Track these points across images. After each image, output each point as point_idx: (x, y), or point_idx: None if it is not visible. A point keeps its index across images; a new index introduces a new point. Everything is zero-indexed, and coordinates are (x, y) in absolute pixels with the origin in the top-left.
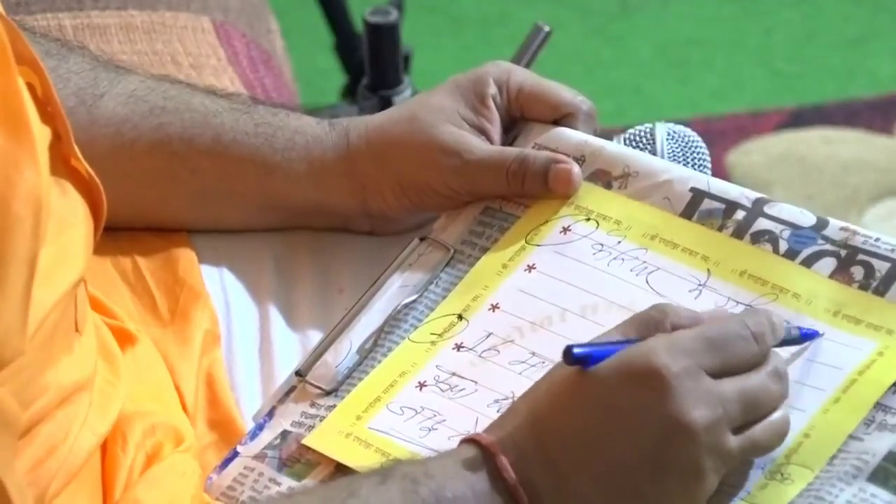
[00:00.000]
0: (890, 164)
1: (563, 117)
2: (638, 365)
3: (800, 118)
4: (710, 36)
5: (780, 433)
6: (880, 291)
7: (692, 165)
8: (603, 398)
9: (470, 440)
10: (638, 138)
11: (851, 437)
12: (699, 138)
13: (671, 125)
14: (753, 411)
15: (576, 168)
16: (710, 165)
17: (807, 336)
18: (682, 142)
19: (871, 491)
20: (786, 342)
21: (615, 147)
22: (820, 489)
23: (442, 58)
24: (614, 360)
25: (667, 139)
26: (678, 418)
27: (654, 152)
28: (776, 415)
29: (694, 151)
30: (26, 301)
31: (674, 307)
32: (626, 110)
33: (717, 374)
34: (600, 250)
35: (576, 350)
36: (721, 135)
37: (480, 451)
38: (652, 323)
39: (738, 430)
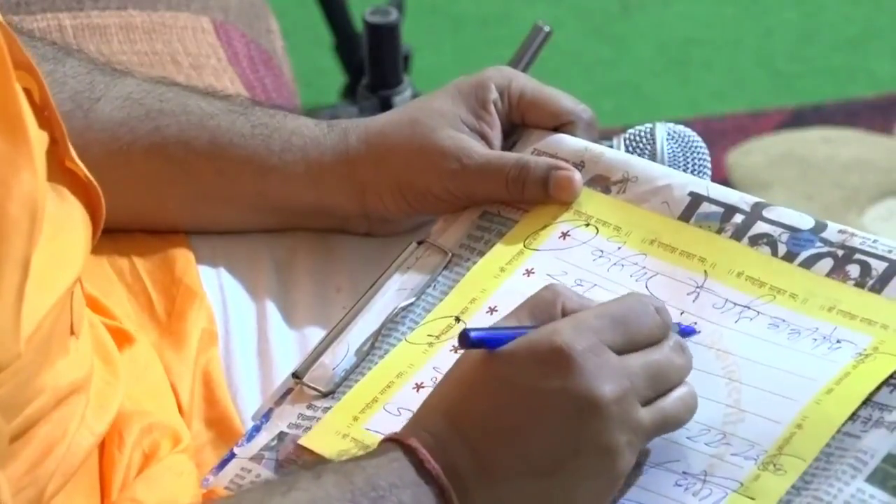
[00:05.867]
0: (890, 164)
1: (563, 125)
2: (543, 345)
3: (800, 118)
4: (710, 36)
5: (689, 407)
6: (876, 289)
7: (692, 165)
8: (512, 379)
9: (389, 440)
10: (638, 138)
11: (848, 434)
12: (699, 138)
13: (671, 125)
14: (660, 384)
15: (577, 175)
16: (710, 165)
17: (685, 332)
18: (683, 142)
19: (869, 492)
20: None
21: (615, 153)
22: (818, 489)
23: (442, 58)
24: (520, 343)
25: (667, 139)
26: (586, 394)
27: (654, 152)
28: (683, 388)
29: (694, 151)
30: (19, 303)
31: (565, 288)
32: (626, 110)
33: (622, 350)
34: (600, 256)
35: (473, 334)
36: (721, 135)
37: (401, 449)
38: (543, 304)
39: (647, 405)
